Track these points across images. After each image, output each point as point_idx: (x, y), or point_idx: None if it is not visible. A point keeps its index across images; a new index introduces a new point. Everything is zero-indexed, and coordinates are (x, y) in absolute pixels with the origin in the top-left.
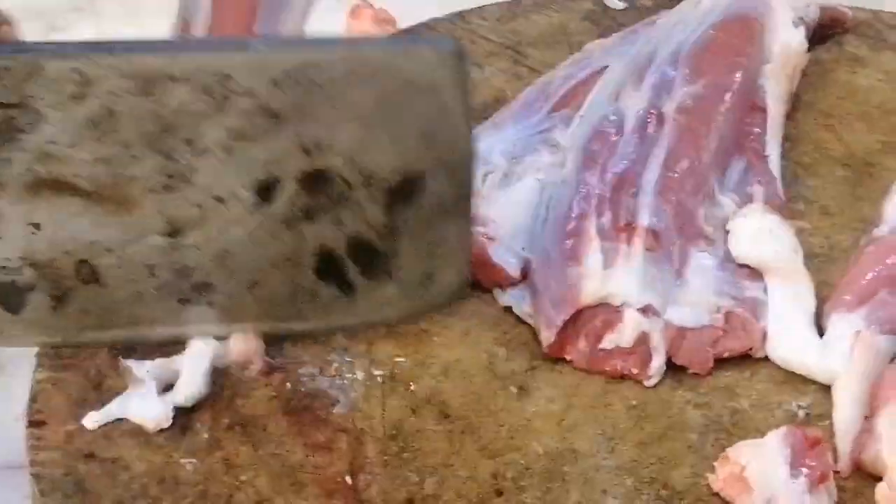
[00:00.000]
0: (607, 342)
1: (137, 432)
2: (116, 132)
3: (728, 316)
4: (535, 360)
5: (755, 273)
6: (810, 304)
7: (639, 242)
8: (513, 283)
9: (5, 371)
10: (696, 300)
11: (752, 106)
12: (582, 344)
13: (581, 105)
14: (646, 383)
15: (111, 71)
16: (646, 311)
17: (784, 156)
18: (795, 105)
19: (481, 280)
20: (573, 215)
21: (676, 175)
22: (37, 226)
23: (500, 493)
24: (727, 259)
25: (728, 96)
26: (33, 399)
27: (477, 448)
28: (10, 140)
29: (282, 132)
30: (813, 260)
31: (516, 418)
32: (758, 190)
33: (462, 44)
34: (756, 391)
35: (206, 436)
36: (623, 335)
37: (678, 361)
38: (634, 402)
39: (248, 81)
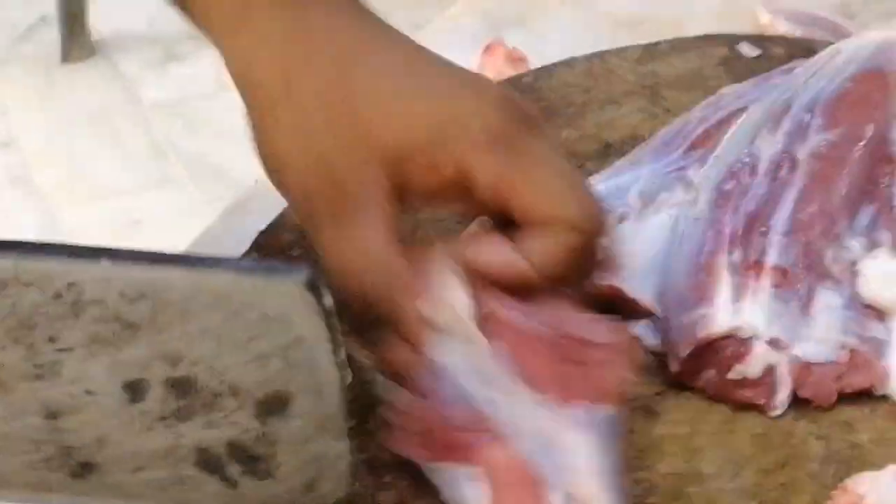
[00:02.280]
0: (735, 373)
1: None
2: None
3: (852, 353)
4: (663, 386)
5: (880, 314)
6: None
7: (767, 279)
8: (648, 316)
9: None
10: (822, 336)
11: (883, 157)
12: (711, 373)
13: (716, 145)
14: (770, 414)
15: None
16: (773, 344)
17: None
18: None
19: (617, 312)
20: (705, 250)
21: (806, 217)
22: None
23: None
24: (853, 299)
25: (860, 146)
26: None
27: None
28: None
29: (140, 340)
30: None
31: (644, 439)
32: (885, 236)
33: (317, 273)
34: (875, 427)
35: None
36: (751, 366)
37: (802, 394)
38: (758, 431)
39: (96, 291)
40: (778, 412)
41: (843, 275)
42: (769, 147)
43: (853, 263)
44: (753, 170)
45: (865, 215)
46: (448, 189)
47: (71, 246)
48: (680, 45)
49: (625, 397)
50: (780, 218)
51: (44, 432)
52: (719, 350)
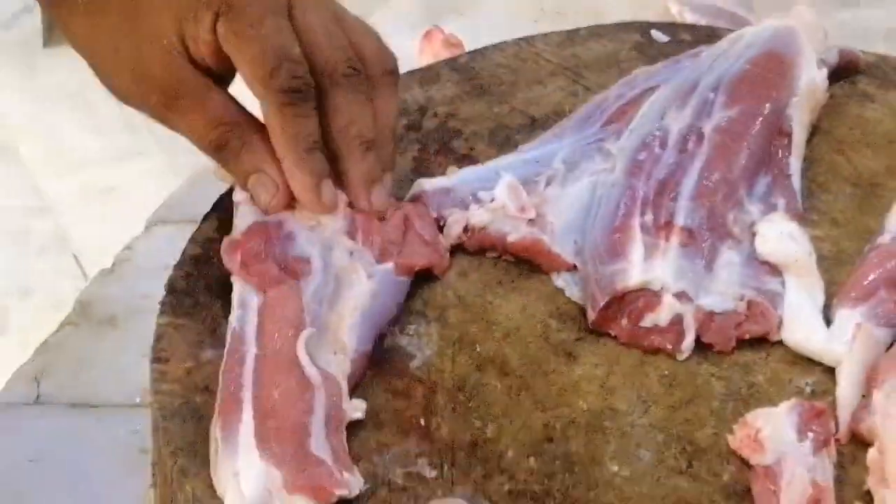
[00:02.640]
0: (647, 321)
1: None
2: None
3: (749, 304)
4: (582, 333)
5: (774, 270)
6: (820, 298)
7: (675, 239)
8: (567, 269)
9: (118, 325)
10: (723, 289)
11: (779, 131)
12: (625, 321)
13: (631, 120)
14: (677, 357)
15: None
16: (680, 296)
17: (802, 174)
18: (813, 132)
19: (541, 264)
20: (620, 213)
21: (710, 184)
22: None
23: (550, 440)
24: (751, 256)
25: (759, 121)
26: (157, 340)
27: (531, 402)
28: None
29: None
30: (823, 262)
31: (565, 379)
32: (780, 201)
33: None
34: (770, 369)
35: None
36: (660, 316)
37: (705, 340)
38: (666, 372)
39: None
40: (684, 356)
41: (742, 235)
42: (678, 122)
43: (751, 225)
44: (664, 142)
45: (763, 183)
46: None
47: None
48: (597, 32)
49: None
50: (688, 185)
51: None
52: (632, 301)
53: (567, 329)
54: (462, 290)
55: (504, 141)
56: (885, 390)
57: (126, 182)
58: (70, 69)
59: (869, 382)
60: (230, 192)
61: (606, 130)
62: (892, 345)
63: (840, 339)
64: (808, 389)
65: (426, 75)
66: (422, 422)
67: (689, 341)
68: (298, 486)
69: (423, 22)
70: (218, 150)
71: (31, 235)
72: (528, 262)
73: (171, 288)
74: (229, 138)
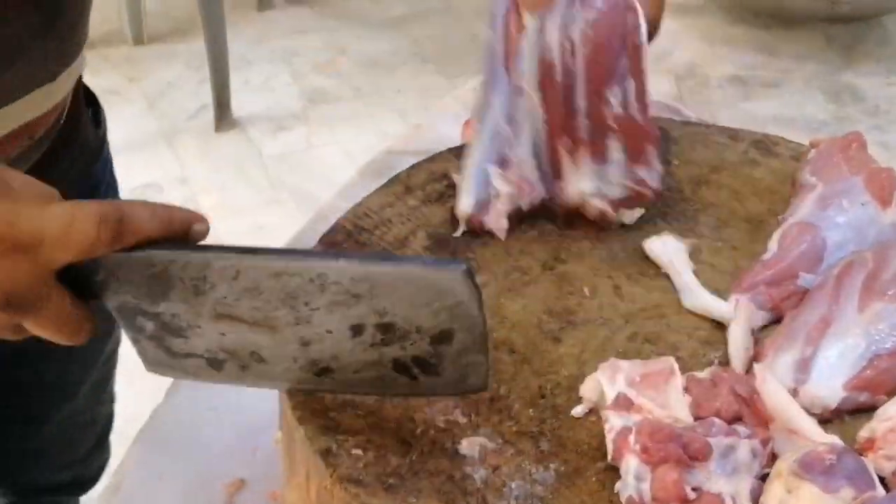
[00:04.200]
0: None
1: None
2: (261, 295)
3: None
4: (564, 324)
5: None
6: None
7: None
8: None
9: None
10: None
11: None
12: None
13: None
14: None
15: (252, 268)
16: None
17: (711, 215)
18: (718, 187)
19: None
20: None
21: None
22: (223, 334)
23: (542, 397)
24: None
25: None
26: None
27: (530, 371)
28: (199, 294)
29: (361, 303)
30: (724, 275)
31: (553, 355)
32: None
33: (469, 266)
34: (691, 347)
35: None
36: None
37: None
38: (620, 350)
39: (335, 277)
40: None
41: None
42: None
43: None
44: None
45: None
46: None
47: (320, 251)
48: None
49: None
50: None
51: (299, 353)
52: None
53: (554, 322)
54: (483, 296)
55: None
56: (763, 364)
57: (270, 222)
58: (232, 146)
59: (755, 357)
60: (331, 230)
61: None
62: (766, 326)
63: (729, 308)
64: (715, 360)
65: (461, 151)
66: None
67: (610, 211)
68: None
69: (463, 115)
70: None
71: None
72: (528, 273)
73: None
74: None
